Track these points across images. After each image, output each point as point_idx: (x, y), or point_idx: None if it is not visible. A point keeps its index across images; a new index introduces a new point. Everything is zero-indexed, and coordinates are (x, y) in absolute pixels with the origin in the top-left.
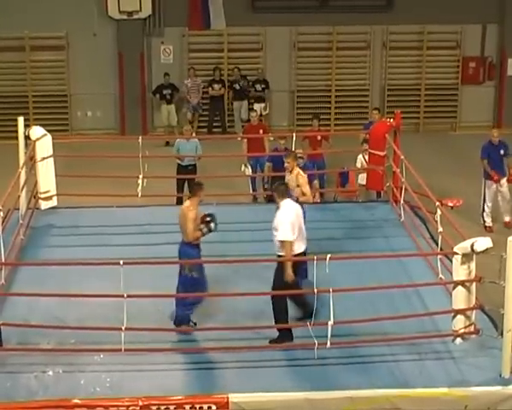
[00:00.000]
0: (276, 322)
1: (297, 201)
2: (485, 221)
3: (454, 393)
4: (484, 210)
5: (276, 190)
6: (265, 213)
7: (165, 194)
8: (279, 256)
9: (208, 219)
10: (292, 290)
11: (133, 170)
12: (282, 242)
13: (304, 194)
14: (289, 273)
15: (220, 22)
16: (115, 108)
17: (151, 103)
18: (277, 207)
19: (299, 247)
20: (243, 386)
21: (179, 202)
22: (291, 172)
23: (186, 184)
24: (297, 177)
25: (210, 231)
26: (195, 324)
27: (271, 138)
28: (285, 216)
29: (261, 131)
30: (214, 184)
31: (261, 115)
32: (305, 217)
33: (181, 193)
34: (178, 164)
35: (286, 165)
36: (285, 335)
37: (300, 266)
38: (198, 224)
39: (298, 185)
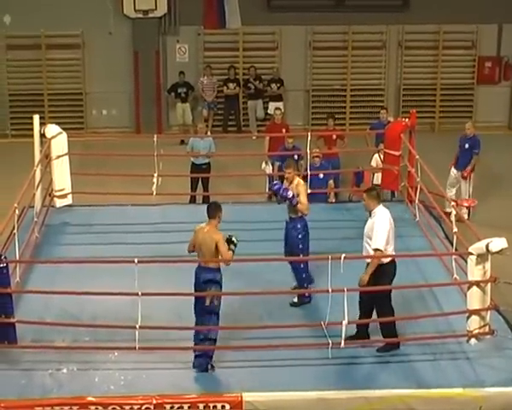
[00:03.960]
0: (384, 330)
1: (295, 206)
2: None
3: (468, 393)
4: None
5: (368, 195)
6: (281, 212)
7: (180, 192)
8: (367, 264)
9: (228, 237)
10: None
11: (148, 168)
12: (375, 250)
13: (301, 202)
14: (365, 280)
15: (236, 21)
16: (130, 106)
17: (166, 102)
18: (369, 214)
19: (392, 252)
20: (257, 385)
21: (193, 200)
22: (291, 182)
23: (200, 183)
24: (297, 187)
25: (235, 247)
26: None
27: (290, 140)
28: (382, 225)
29: (284, 131)
30: (229, 182)
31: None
32: (308, 231)
33: (195, 192)
34: (192, 162)
35: (286, 175)
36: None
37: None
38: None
39: (298, 194)
